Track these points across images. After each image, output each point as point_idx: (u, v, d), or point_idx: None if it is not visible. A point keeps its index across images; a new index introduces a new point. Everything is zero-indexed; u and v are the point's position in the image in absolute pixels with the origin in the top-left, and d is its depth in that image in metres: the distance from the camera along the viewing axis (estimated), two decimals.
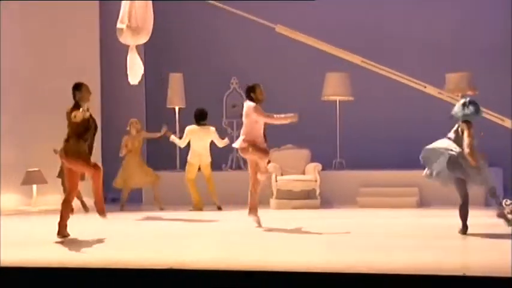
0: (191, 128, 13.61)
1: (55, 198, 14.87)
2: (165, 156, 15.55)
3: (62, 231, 9.77)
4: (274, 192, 13.84)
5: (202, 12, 16.00)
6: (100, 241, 9.63)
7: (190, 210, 13.57)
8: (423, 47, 15.29)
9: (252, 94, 10.87)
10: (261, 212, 13.12)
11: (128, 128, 13.93)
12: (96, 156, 14.52)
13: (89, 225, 11.17)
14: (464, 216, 9.55)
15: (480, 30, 15.17)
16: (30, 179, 14.66)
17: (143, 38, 11.84)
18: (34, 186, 14.73)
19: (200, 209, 13.55)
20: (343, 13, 15.71)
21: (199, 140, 13.56)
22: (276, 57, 15.88)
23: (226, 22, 16.09)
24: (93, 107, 13.11)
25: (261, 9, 12.73)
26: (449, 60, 14.84)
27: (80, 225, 11.52)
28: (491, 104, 14.27)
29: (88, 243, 9.41)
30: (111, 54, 15.24)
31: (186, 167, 13.68)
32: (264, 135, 10.87)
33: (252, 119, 10.71)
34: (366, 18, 15.58)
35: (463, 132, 9.43)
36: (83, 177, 11.45)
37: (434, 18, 15.38)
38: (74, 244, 9.36)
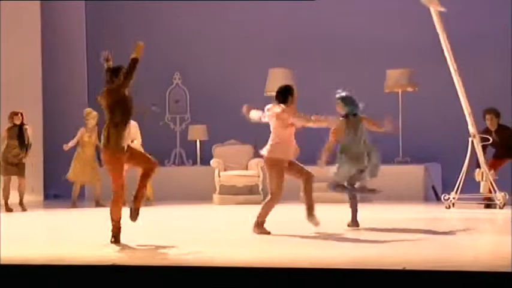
0: None
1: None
2: None
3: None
4: (217, 188, 13.87)
5: (144, 8, 15.94)
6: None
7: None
8: (364, 43, 15.37)
9: (290, 97, 9.69)
10: (204, 207, 13.19)
11: (85, 120, 13.39)
12: (37, 156, 14.42)
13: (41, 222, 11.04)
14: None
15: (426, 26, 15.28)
16: None
17: None
18: None
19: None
20: (282, 10, 15.70)
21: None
22: (218, 52, 15.84)
23: (168, 17, 16.07)
24: (34, 105, 13.05)
25: None
26: (392, 56, 14.89)
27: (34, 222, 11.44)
28: (432, 100, 14.57)
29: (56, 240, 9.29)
30: (53, 54, 15.09)
31: None
32: None
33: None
34: (306, 16, 15.64)
35: None
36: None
37: (376, 14, 15.45)
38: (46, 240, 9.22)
